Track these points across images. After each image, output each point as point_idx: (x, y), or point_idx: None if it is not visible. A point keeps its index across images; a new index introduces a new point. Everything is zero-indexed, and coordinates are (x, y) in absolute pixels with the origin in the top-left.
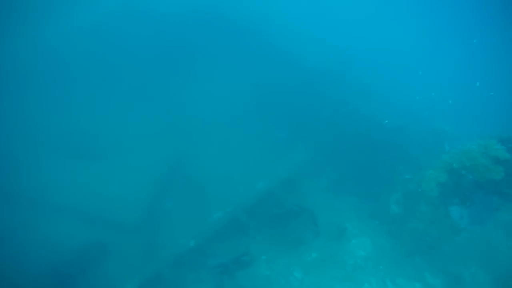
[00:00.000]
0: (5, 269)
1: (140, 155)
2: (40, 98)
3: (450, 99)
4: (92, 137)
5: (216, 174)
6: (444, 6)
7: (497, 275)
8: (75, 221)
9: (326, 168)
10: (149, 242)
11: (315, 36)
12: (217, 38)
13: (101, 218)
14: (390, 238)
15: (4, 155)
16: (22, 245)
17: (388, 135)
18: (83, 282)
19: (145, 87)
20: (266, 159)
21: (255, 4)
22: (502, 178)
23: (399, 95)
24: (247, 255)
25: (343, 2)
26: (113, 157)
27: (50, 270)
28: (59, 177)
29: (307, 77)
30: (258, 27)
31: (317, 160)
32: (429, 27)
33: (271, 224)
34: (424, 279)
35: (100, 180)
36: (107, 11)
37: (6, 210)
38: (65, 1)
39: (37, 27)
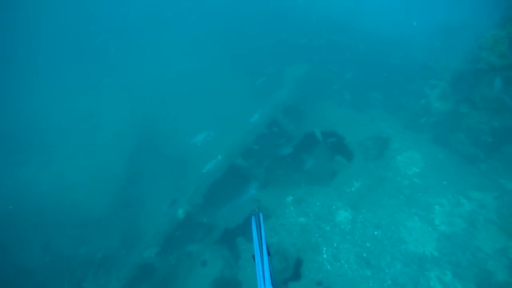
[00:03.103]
0: None
1: (97, 138)
2: None
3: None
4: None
5: (197, 126)
6: None
7: None
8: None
9: (336, 82)
10: (128, 232)
11: None
12: None
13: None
14: (440, 146)
15: None
16: None
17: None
18: None
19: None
20: (257, 96)
21: None
22: None
23: None
24: (259, 207)
25: None
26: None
27: None
28: None
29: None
30: None
31: (321, 74)
32: None
33: (284, 162)
34: (501, 186)
35: (56, 180)
36: None
37: None
38: None
39: None
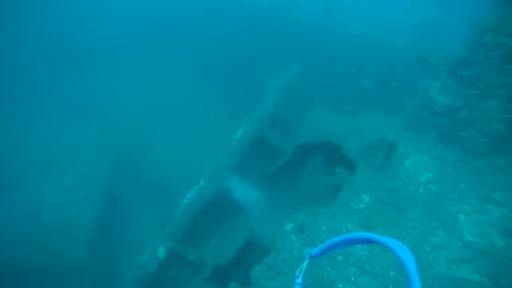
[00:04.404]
0: None
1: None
2: None
3: None
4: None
5: (173, 150)
6: None
7: None
8: None
9: (325, 88)
10: (103, 280)
11: None
12: None
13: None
14: (448, 145)
15: None
16: None
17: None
18: None
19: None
20: (238, 110)
21: None
22: None
23: None
24: (252, 234)
25: None
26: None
27: None
28: None
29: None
30: None
31: (308, 79)
32: None
33: (276, 181)
34: None
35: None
36: None
37: None
38: None
39: None
